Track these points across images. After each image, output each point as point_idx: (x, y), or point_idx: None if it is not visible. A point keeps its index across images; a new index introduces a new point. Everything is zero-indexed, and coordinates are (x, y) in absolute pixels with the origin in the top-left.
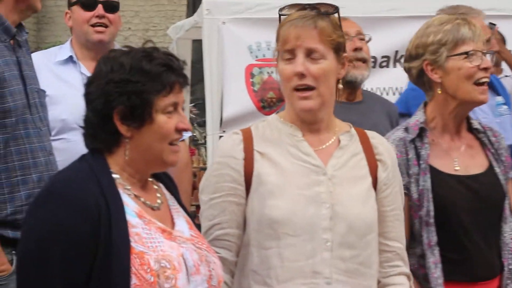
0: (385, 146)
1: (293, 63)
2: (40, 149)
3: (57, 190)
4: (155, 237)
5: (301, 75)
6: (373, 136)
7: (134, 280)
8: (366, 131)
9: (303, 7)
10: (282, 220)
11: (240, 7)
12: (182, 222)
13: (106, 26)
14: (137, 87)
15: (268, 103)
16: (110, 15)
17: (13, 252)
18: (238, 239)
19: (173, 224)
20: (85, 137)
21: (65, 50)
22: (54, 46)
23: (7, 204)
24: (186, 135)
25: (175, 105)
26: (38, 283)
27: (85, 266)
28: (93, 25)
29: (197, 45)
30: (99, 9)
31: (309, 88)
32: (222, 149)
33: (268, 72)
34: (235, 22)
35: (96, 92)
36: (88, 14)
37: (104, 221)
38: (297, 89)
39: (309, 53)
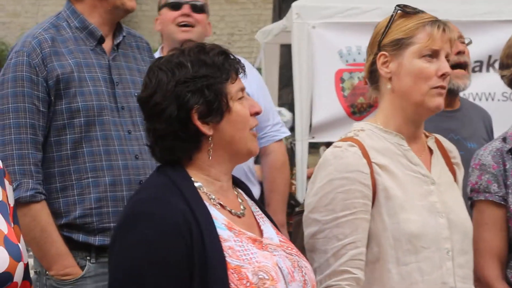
0: (455, 149)
1: (434, 63)
2: (121, 152)
3: (143, 210)
4: (248, 249)
5: (444, 76)
6: (444, 140)
7: None
8: (434, 134)
9: (420, 10)
10: (418, 234)
11: (330, 11)
12: (269, 228)
13: (192, 26)
14: (206, 81)
15: (358, 109)
16: (196, 15)
17: (87, 258)
18: (364, 257)
19: (260, 231)
20: (159, 152)
21: (156, 56)
22: None
23: (76, 206)
24: (283, 134)
25: (242, 90)
26: None
27: (182, 286)
28: (179, 25)
29: (285, 49)
30: (185, 8)
31: (444, 88)
32: (345, 163)
33: (358, 77)
34: (325, 27)
35: (166, 100)
36: (175, 13)
37: (197, 238)
38: (433, 87)
39: (446, 56)
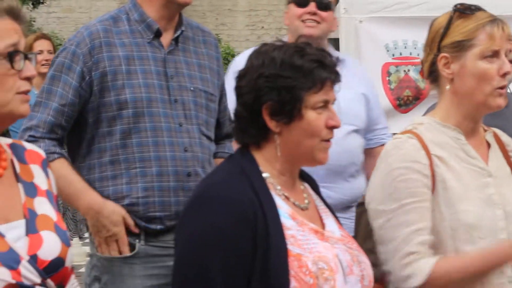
0: None
1: (495, 63)
2: (169, 144)
3: (213, 194)
4: (309, 239)
5: (505, 75)
6: (502, 134)
7: (293, 283)
8: (493, 128)
9: (477, 7)
10: (475, 224)
11: (377, 5)
12: (331, 222)
13: (317, 23)
14: (287, 83)
15: (404, 101)
16: (322, 13)
17: (137, 240)
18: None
19: (323, 225)
20: (234, 131)
21: None
22: None
23: (124, 194)
24: (389, 138)
25: (326, 102)
26: None
27: (245, 271)
28: (304, 21)
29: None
30: (312, 6)
31: (505, 87)
32: (404, 154)
33: (404, 71)
34: (372, 21)
35: (247, 86)
36: (301, 10)
37: (261, 224)
38: (496, 88)
39: (505, 55)
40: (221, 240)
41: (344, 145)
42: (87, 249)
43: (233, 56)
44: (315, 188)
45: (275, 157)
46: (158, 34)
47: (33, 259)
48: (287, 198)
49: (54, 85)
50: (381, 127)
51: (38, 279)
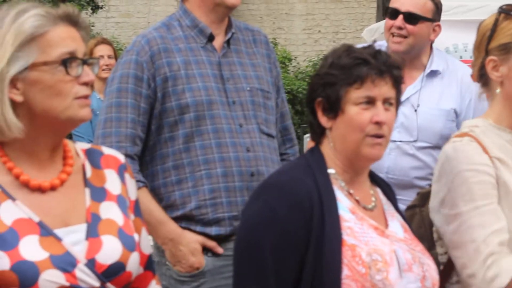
0: None
1: None
2: (232, 145)
3: (272, 182)
4: (367, 232)
5: None
6: None
7: (346, 271)
8: None
9: None
10: None
11: None
12: (396, 225)
13: (404, 37)
14: (331, 79)
15: None
16: (409, 26)
17: (204, 251)
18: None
19: (386, 226)
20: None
21: None
22: None
23: (191, 197)
24: None
25: (371, 99)
26: (252, 270)
27: (297, 255)
28: (392, 35)
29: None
30: (399, 19)
31: None
32: (468, 156)
33: None
34: None
35: (309, 86)
36: (390, 22)
37: (317, 213)
38: None
39: None
40: (274, 222)
41: (415, 160)
42: None
43: (290, 60)
44: (390, 195)
45: (333, 153)
46: (211, 38)
47: (91, 263)
48: (350, 194)
49: (123, 97)
50: None
51: (96, 283)
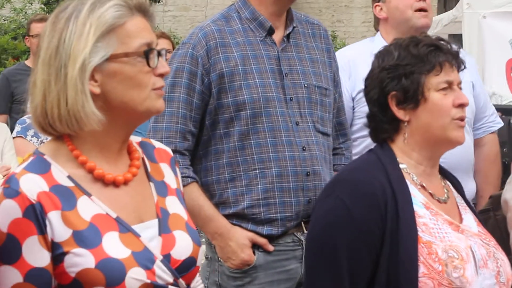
0: None
1: None
2: (288, 144)
3: (344, 178)
4: (442, 228)
5: None
6: None
7: (422, 269)
8: None
9: None
10: None
11: (500, 0)
12: (469, 218)
13: (426, 11)
14: (406, 69)
15: None
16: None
17: (256, 246)
18: None
19: (460, 220)
20: (370, 132)
21: (378, 42)
22: None
23: (244, 196)
24: (498, 125)
25: (449, 83)
26: (325, 268)
27: (372, 253)
28: (416, 10)
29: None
30: None
31: None
32: None
33: None
34: (496, 16)
35: (371, 84)
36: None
37: (391, 210)
38: None
39: None
40: (349, 221)
41: None
42: None
43: None
44: (459, 188)
45: (408, 146)
46: (270, 32)
47: (166, 259)
48: (424, 188)
49: (175, 92)
50: (489, 114)
51: (170, 279)
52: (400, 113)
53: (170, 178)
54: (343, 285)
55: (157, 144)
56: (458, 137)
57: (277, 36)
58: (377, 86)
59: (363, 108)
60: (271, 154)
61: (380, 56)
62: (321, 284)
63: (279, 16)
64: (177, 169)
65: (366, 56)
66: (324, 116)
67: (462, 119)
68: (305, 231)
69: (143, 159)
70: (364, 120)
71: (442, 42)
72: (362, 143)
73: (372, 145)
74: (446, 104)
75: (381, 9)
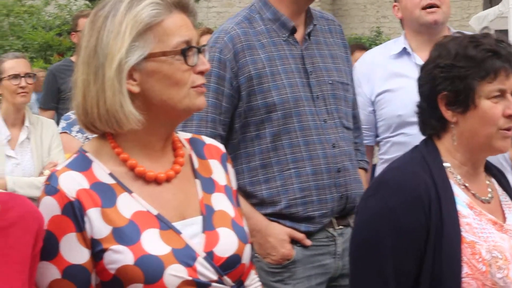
0: None
1: None
2: (319, 142)
3: (388, 178)
4: (486, 228)
5: None
6: None
7: (465, 269)
8: None
9: None
10: None
11: None
12: None
13: (437, 6)
14: (460, 73)
15: None
16: None
17: (294, 241)
18: None
19: (504, 219)
20: (418, 124)
21: (399, 42)
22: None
23: (281, 197)
24: None
25: (502, 91)
26: (370, 269)
27: (416, 253)
28: (423, 8)
29: (500, 35)
30: None
31: None
32: None
33: None
34: None
35: (425, 78)
36: None
37: (435, 210)
38: None
39: None
40: (393, 221)
41: None
42: None
43: None
44: (505, 185)
45: (454, 147)
46: (293, 31)
47: (209, 256)
48: (467, 188)
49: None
50: None
51: (214, 276)
52: (448, 114)
53: (219, 174)
54: (389, 286)
55: (208, 140)
56: (502, 147)
57: (299, 35)
58: (429, 83)
59: (383, 111)
60: (304, 154)
61: (437, 49)
62: (366, 286)
63: (299, 14)
64: (229, 166)
65: (385, 58)
66: (347, 111)
67: (509, 129)
68: (336, 227)
69: (190, 155)
70: (386, 122)
71: (502, 45)
72: (386, 143)
73: (394, 145)
74: (495, 114)
75: (398, 9)
